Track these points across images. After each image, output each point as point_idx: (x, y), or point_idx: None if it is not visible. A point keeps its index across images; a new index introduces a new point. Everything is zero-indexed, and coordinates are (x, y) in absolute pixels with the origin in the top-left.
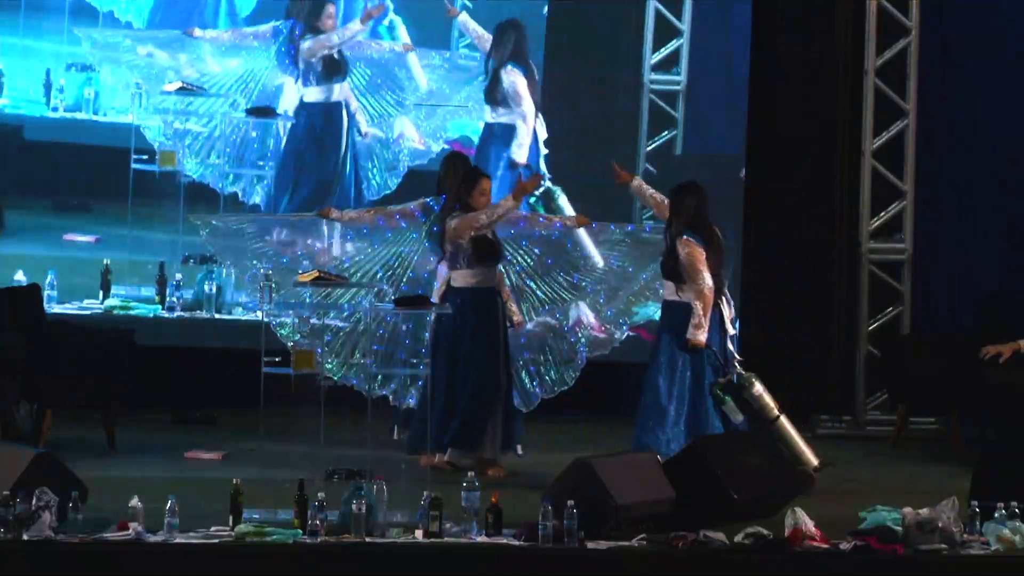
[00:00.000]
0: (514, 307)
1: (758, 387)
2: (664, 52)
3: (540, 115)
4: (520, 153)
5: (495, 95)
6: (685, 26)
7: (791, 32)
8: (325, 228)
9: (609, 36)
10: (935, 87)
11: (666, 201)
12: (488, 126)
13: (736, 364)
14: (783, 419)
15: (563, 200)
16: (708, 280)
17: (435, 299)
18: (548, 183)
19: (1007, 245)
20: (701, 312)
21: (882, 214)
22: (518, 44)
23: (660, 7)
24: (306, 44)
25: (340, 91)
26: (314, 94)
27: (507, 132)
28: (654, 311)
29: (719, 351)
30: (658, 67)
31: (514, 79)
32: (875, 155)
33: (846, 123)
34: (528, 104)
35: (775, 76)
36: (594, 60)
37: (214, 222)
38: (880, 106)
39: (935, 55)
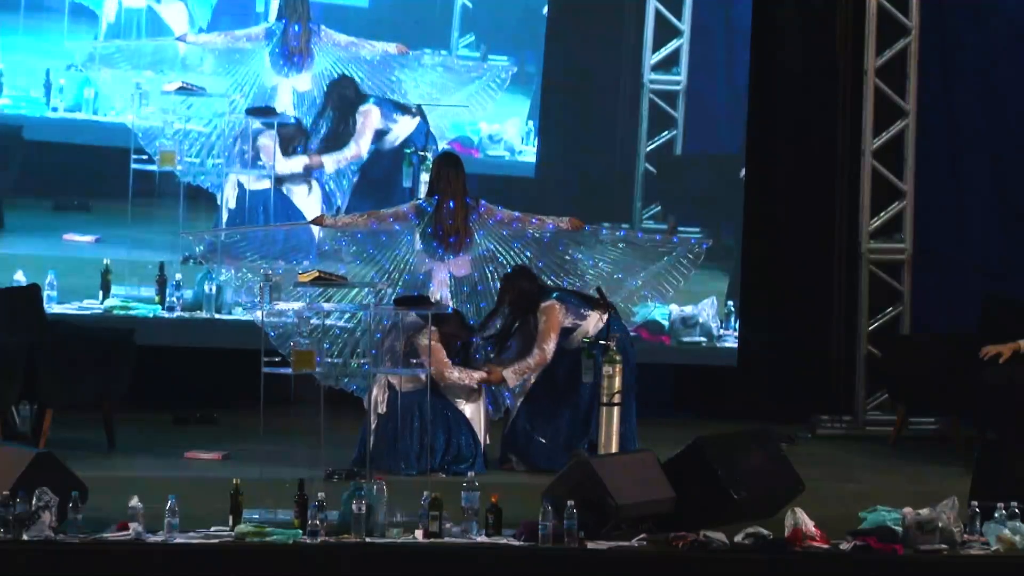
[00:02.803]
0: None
1: (610, 370)
2: (664, 52)
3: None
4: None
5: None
6: (685, 26)
7: (791, 32)
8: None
9: (609, 36)
10: (935, 87)
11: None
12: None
13: (612, 345)
14: (614, 410)
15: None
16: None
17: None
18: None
19: (1007, 245)
20: (533, 366)
21: (882, 214)
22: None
23: (660, 7)
24: (265, 142)
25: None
26: None
27: None
28: (652, 310)
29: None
30: (658, 67)
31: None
32: (875, 155)
33: (846, 123)
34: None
35: (775, 76)
36: (594, 60)
37: (206, 236)
38: (880, 106)
39: (935, 55)
